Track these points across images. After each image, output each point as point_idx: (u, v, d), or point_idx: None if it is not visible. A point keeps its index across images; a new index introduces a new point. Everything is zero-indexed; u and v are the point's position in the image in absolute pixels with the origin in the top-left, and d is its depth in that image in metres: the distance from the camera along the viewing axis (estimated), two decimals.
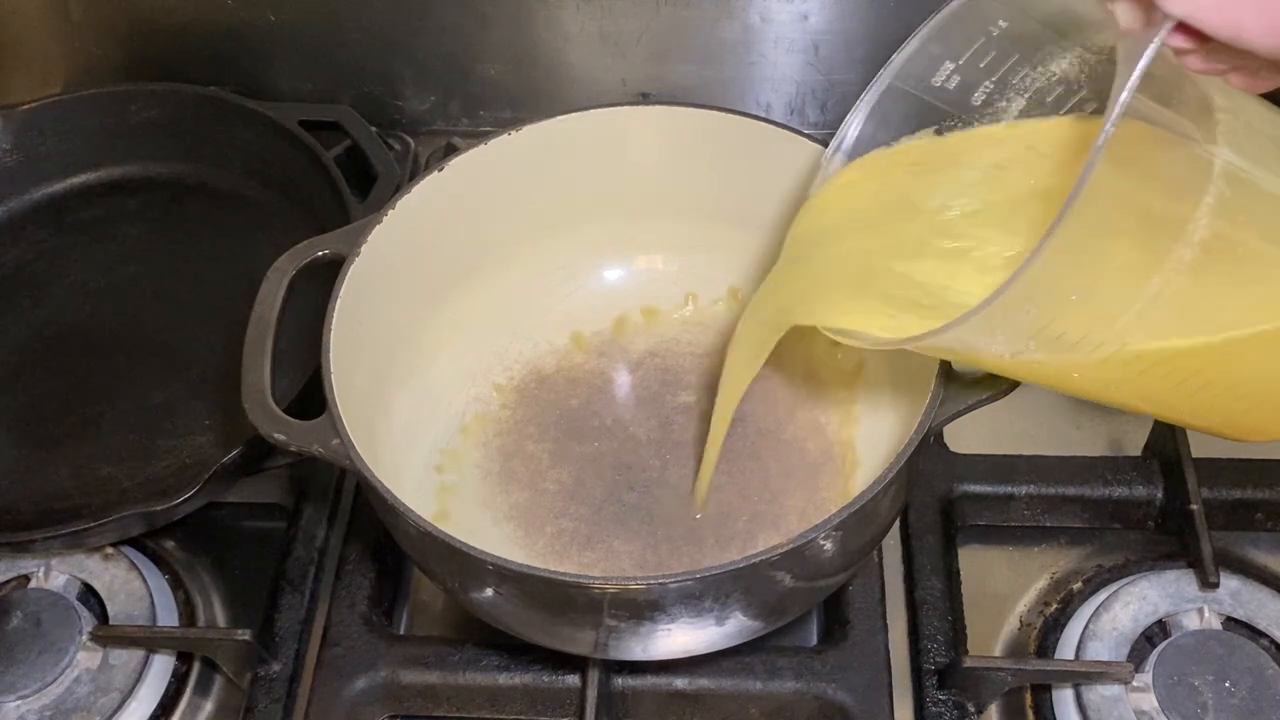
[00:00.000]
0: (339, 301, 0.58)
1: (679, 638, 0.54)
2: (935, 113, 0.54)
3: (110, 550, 0.68)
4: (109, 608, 0.66)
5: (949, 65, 0.52)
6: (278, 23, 0.88)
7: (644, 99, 0.88)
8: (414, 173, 0.89)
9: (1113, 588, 0.65)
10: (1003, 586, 0.68)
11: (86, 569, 0.68)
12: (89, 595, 0.67)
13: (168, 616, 0.67)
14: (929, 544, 0.67)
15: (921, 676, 0.63)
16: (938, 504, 0.68)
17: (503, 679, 0.62)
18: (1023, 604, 0.68)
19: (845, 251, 0.55)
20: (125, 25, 0.90)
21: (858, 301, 0.53)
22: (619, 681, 0.62)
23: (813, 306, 0.53)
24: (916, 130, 0.55)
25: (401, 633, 0.69)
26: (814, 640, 0.67)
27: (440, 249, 0.66)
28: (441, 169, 0.64)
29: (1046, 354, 0.45)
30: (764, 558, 0.49)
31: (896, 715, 0.61)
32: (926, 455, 0.61)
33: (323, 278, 0.60)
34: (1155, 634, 0.63)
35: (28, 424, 0.75)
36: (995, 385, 0.54)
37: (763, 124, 0.65)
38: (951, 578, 0.66)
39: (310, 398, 0.62)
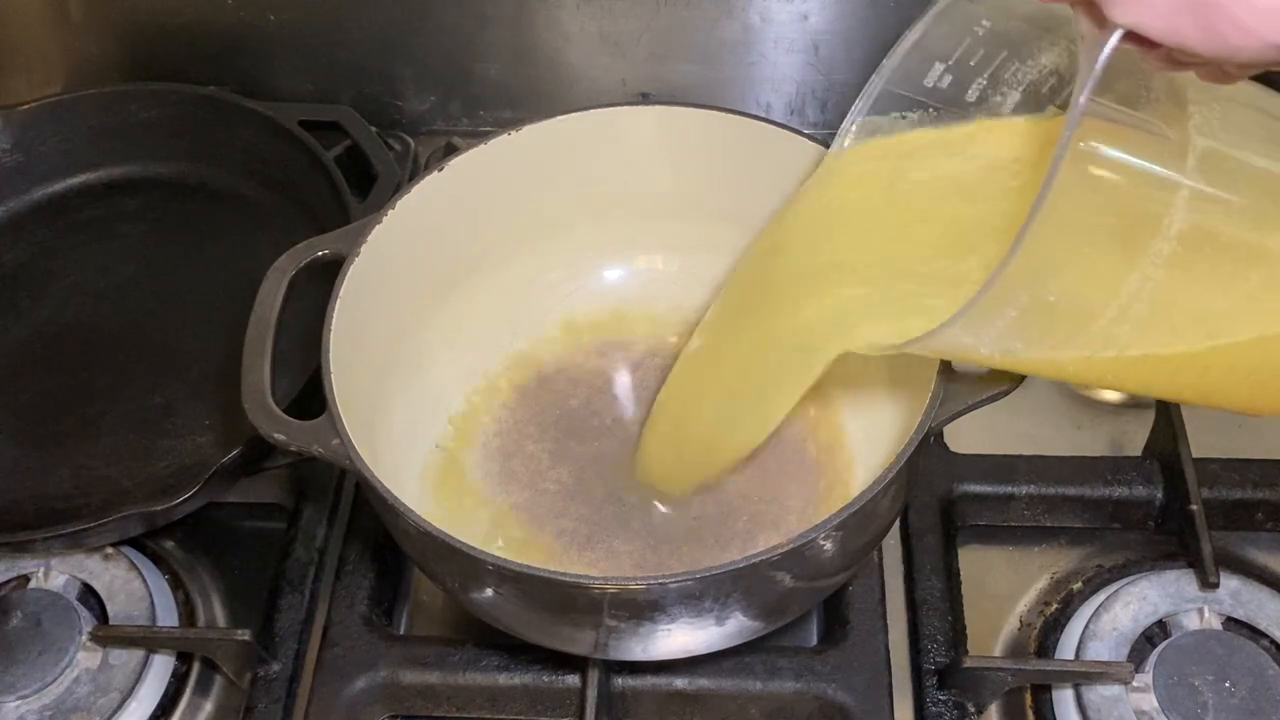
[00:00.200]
0: (339, 301, 0.58)
1: (679, 638, 0.54)
2: (931, 112, 0.55)
3: (110, 550, 0.68)
4: (109, 608, 0.66)
5: (939, 66, 0.53)
6: (278, 23, 0.88)
7: (644, 99, 0.88)
8: (414, 173, 0.89)
9: (1113, 588, 0.65)
10: (1003, 586, 0.68)
11: (86, 569, 0.68)
12: (89, 595, 0.67)
13: (168, 616, 0.67)
14: (929, 544, 0.67)
15: (921, 676, 0.63)
16: (938, 504, 0.68)
17: (503, 679, 0.62)
18: (1023, 604, 0.68)
19: (851, 258, 0.55)
20: (125, 25, 0.90)
21: (873, 310, 0.53)
22: (619, 681, 0.62)
23: (850, 332, 0.53)
24: (913, 129, 0.55)
25: (401, 633, 0.69)
26: (814, 640, 0.67)
27: (440, 249, 0.66)
28: (441, 169, 0.64)
29: (1035, 353, 0.46)
30: (764, 558, 0.49)
31: (896, 715, 0.61)
32: (926, 455, 0.61)
33: (323, 278, 0.60)
34: (1155, 634, 0.63)
35: (28, 424, 0.75)
36: (995, 385, 0.54)
37: (763, 124, 0.65)
38: (951, 578, 0.66)
39: (310, 398, 0.62)
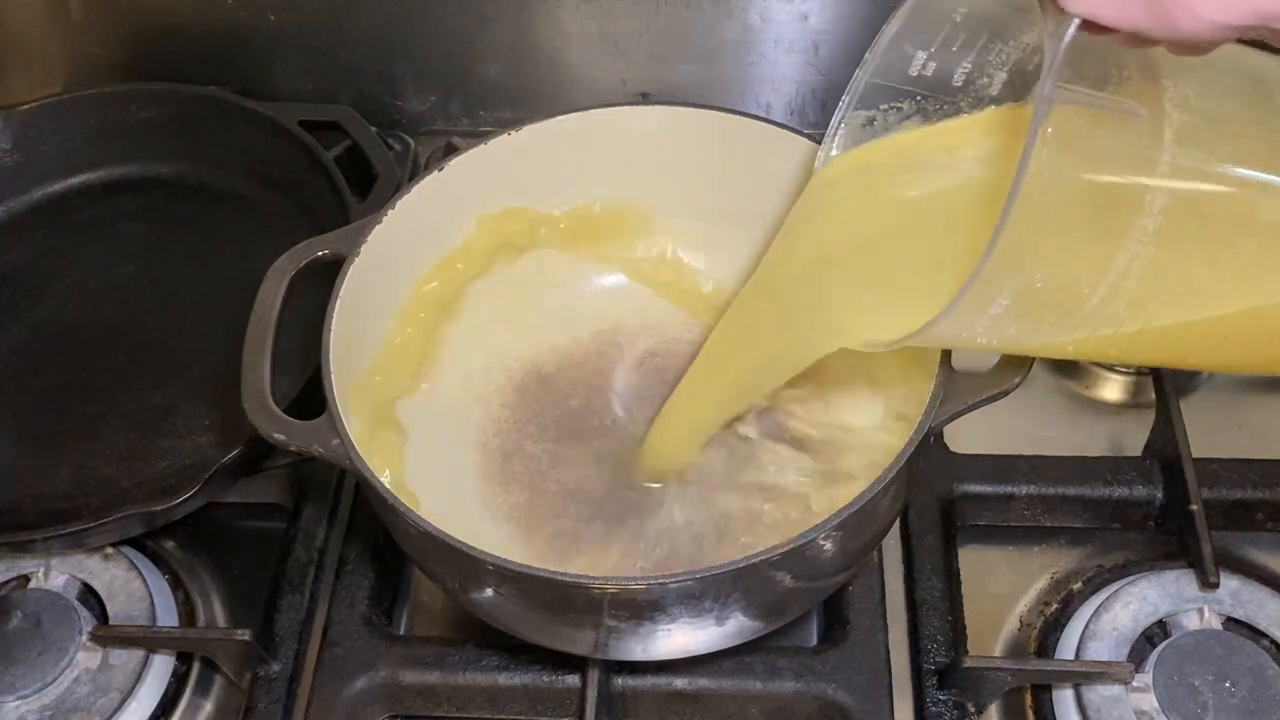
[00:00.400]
0: (339, 301, 0.58)
1: (679, 638, 0.54)
2: (919, 100, 0.55)
3: (110, 550, 0.68)
4: (109, 608, 0.66)
5: (922, 55, 0.53)
6: (278, 23, 0.88)
7: (644, 99, 0.88)
8: (414, 173, 0.89)
9: (1113, 588, 0.65)
10: (1003, 586, 0.68)
11: (86, 569, 0.68)
12: (89, 595, 0.67)
13: (168, 616, 0.67)
14: (929, 544, 0.67)
15: (921, 676, 0.63)
16: (938, 504, 0.68)
17: (503, 679, 0.63)
18: (1023, 604, 0.68)
19: (843, 260, 0.56)
20: (125, 25, 0.90)
21: (867, 309, 0.54)
22: (619, 681, 0.62)
23: (850, 329, 0.54)
24: (904, 123, 0.56)
25: (401, 633, 0.69)
26: (814, 640, 0.67)
27: (440, 249, 0.66)
28: (441, 169, 0.64)
29: (1032, 338, 0.46)
30: (764, 558, 0.49)
31: (896, 715, 0.61)
32: (926, 455, 0.61)
33: (323, 278, 0.60)
34: (1155, 634, 0.63)
35: (28, 424, 0.75)
36: (995, 385, 0.54)
37: (763, 124, 0.65)
38: (951, 578, 0.66)
39: (310, 398, 0.62)
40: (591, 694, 0.60)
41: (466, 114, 0.92)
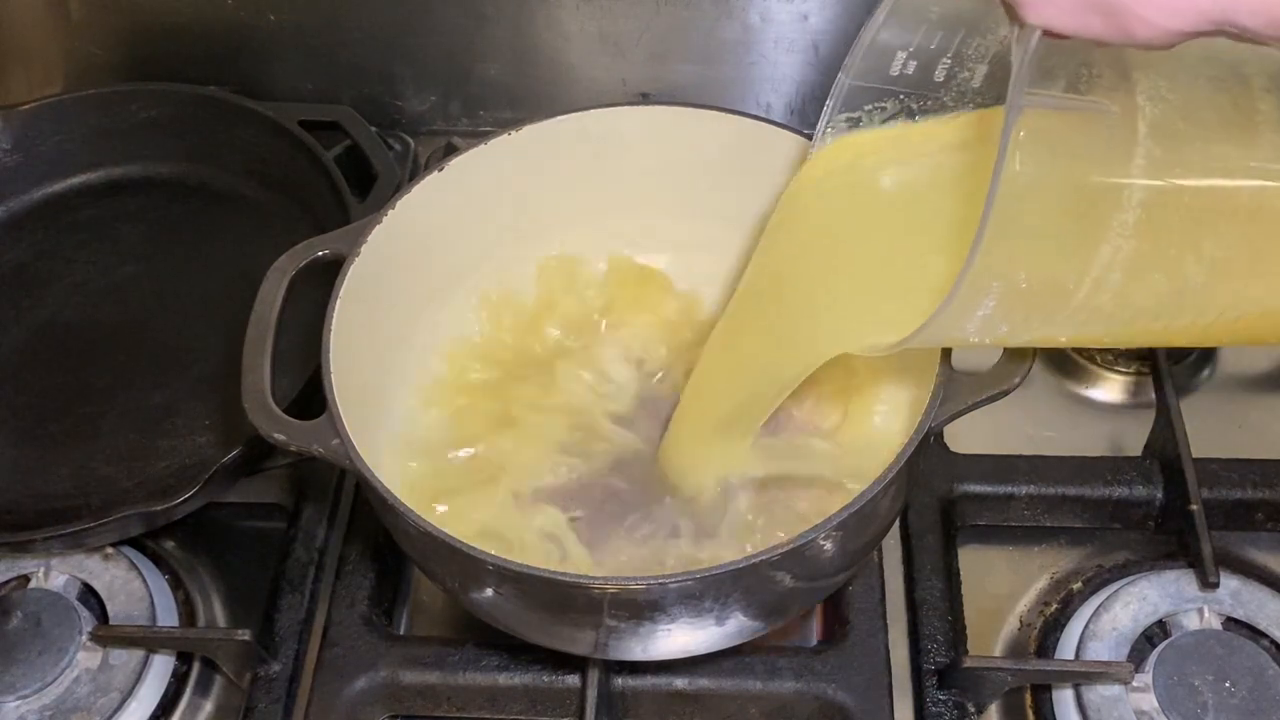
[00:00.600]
0: (339, 301, 0.58)
1: (679, 638, 0.54)
2: (903, 99, 0.55)
3: (110, 550, 0.68)
4: (109, 608, 0.66)
5: (902, 54, 0.53)
6: (278, 23, 0.88)
7: (644, 99, 0.88)
8: (414, 173, 0.89)
9: (1113, 588, 0.65)
10: (1003, 586, 0.68)
11: (86, 569, 0.68)
12: (89, 595, 0.67)
13: (168, 616, 0.67)
14: (929, 544, 0.67)
15: (921, 676, 0.63)
16: (938, 504, 0.68)
17: (503, 679, 0.63)
18: (1023, 604, 0.68)
19: (828, 266, 0.56)
20: (125, 25, 0.90)
21: (857, 314, 0.54)
22: (619, 681, 0.62)
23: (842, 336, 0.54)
24: (889, 122, 0.56)
25: (401, 633, 0.69)
26: (814, 640, 0.67)
27: (440, 249, 0.66)
28: (441, 169, 0.64)
29: (1024, 333, 0.47)
30: (764, 558, 0.49)
31: (896, 715, 0.61)
32: (926, 455, 0.61)
33: (323, 278, 0.60)
34: (1155, 634, 0.63)
35: (28, 424, 0.75)
36: (995, 385, 0.54)
37: (762, 124, 0.65)
38: (951, 578, 0.66)
39: (310, 398, 0.62)
40: (591, 694, 0.60)
41: (466, 114, 0.92)
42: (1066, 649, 0.64)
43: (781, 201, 0.59)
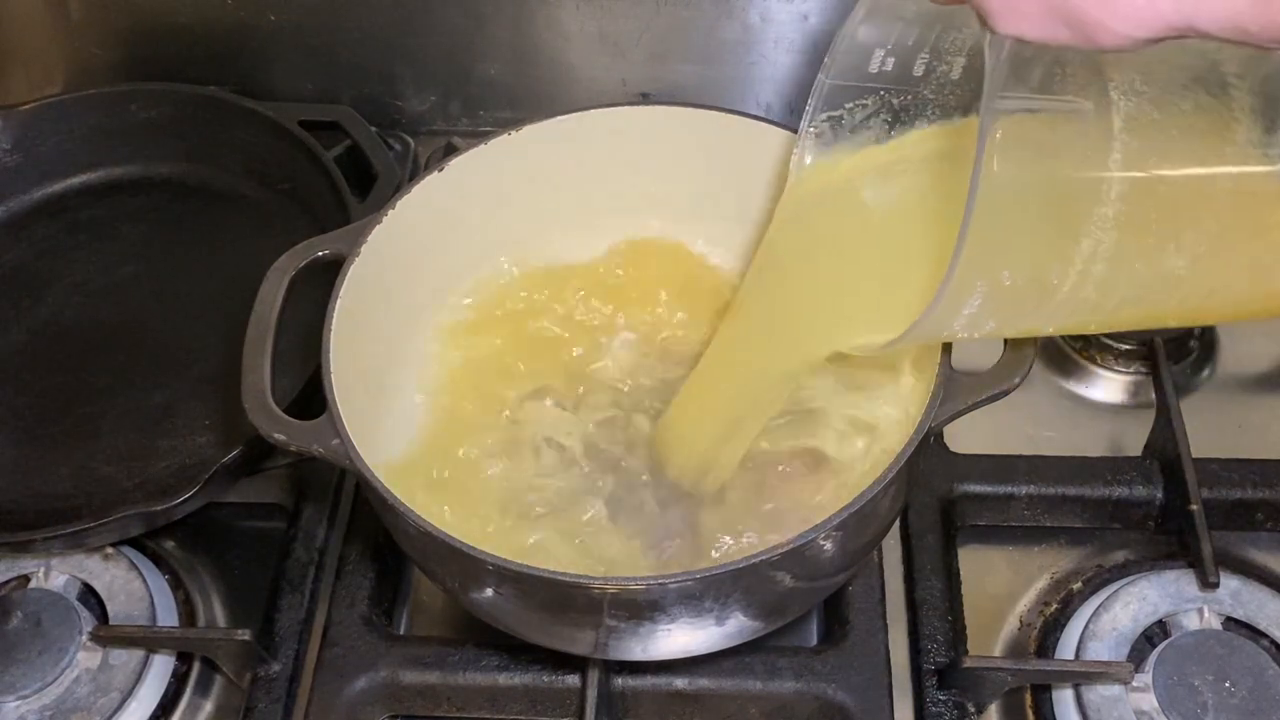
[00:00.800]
0: (339, 301, 0.58)
1: (679, 638, 0.54)
2: (883, 95, 0.56)
3: (110, 550, 0.68)
4: (109, 608, 0.66)
5: (880, 52, 0.54)
6: (278, 23, 0.88)
7: (644, 99, 0.88)
8: (414, 173, 0.89)
9: (1113, 588, 0.65)
10: (1003, 586, 0.68)
11: (86, 569, 0.68)
12: (89, 595, 0.67)
13: (168, 616, 0.67)
14: (929, 544, 0.67)
15: (921, 676, 0.63)
16: (938, 504, 0.68)
17: (503, 679, 0.63)
18: (1023, 604, 0.68)
19: (822, 272, 0.57)
20: (125, 25, 0.90)
21: (850, 316, 0.55)
22: (619, 681, 0.62)
23: (833, 335, 0.55)
24: (870, 119, 0.57)
25: (401, 633, 0.69)
26: (814, 640, 0.67)
27: (440, 249, 0.66)
28: (441, 169, 0.64)
29: (1012, 327, 0.48)
30: (764, 558, 0.49)
31: (896, 715, 0.61)
32: (926, 455, 0.61)
33: (323, 278, 0.60)
34: (1155, 634, 0.63)
35: (28, 424, 0.75)
36: (995, 385, 0.54)
37: (763, 124, 0.65)
38: (951, 578, 0.66)
39: (310, 398, 0.62)
40: (591, 694, 0.60)
41: (466, 114, 0.92)
42: (1066, 649, 0.64)
43: (776, 214, 0.60)
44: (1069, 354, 0.77)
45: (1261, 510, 0.68)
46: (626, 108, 0.67)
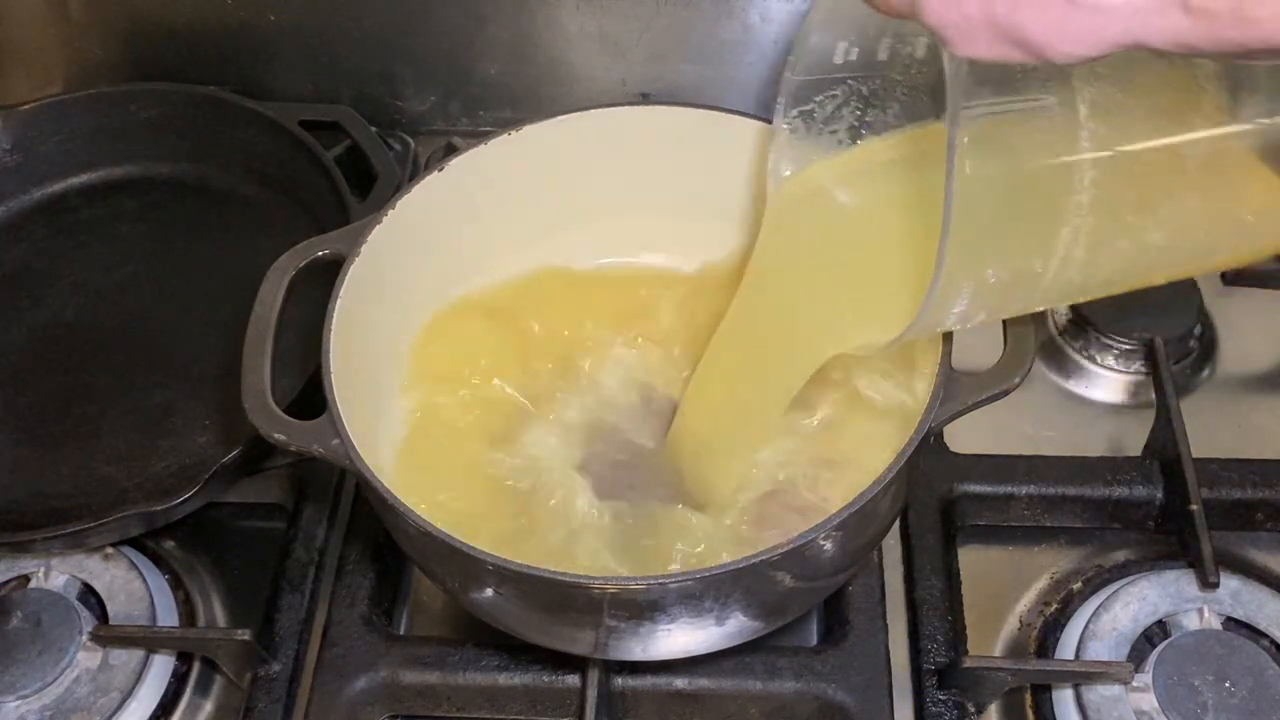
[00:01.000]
0: (339, 301, 0.58)
1: (679, 638, 0.54)
2: (851, 84, 0.57)
3: (110, 550, 0.68)
4: (109, 608, 0.66)
5: (843, 44, 0.55)
6: (278, 23, 0.88)
7: (644, 99, 0.88)
8: (414, 173, 0.89)
9: (1113, 588, 0.65)
10: (1003, 586, 0.68)
11: (86, 569, 0.68)
12: (89, 595, 0.67)
13: (168, 616, 0.67)
14: (929, 544, 0.67)
15: (921, 676, 0.63)
16: (938, 504, 0.68)
17: (503, 679, 0.63)
18: (1023, 604, 0.68)
19: (814, 279, 0.58)
20: (125, 25, 0.90)
21: (845, 320, 0.56)
22: (619, 681, 0.62)
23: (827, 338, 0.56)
24: (842, 109, 0.58)
25: (401, 633, 0.69)
26: (814, 640, 0.67)
27: (440, 249, 0.66)
28: (441, 169, 0.64)
29: (1000, 315, 0.50)
30: (764, 558, 0.49)
31: (896, 715, 0.61)
32: (926, 455, 0.61)
33: (323, 278, 0.60)
34: (1155, 634, 0.63)
35: (28, 424, 0.75)
36: (995, 385, 0.54)
37: (763, 124, 0.65)
38: (951, 578, 0.66)
39: (310, 398, 0.62)
40: (591, 694, 0.60)
41: (466, 114, 0.92)
42: (1066, 649, 0.64)
43: (763, 226, 0.61)
44: (1069, 354, 0.77)
45: (1261, 510, 0.68)
46: (626, 108, 0.67)
